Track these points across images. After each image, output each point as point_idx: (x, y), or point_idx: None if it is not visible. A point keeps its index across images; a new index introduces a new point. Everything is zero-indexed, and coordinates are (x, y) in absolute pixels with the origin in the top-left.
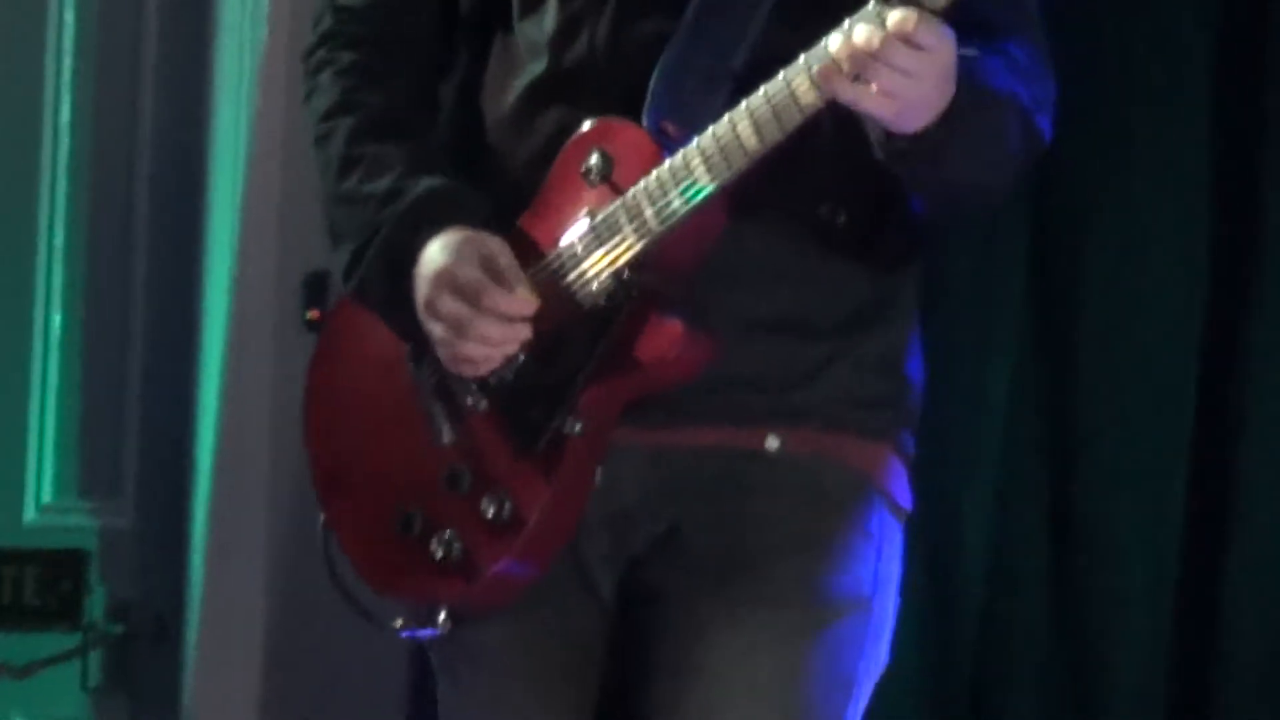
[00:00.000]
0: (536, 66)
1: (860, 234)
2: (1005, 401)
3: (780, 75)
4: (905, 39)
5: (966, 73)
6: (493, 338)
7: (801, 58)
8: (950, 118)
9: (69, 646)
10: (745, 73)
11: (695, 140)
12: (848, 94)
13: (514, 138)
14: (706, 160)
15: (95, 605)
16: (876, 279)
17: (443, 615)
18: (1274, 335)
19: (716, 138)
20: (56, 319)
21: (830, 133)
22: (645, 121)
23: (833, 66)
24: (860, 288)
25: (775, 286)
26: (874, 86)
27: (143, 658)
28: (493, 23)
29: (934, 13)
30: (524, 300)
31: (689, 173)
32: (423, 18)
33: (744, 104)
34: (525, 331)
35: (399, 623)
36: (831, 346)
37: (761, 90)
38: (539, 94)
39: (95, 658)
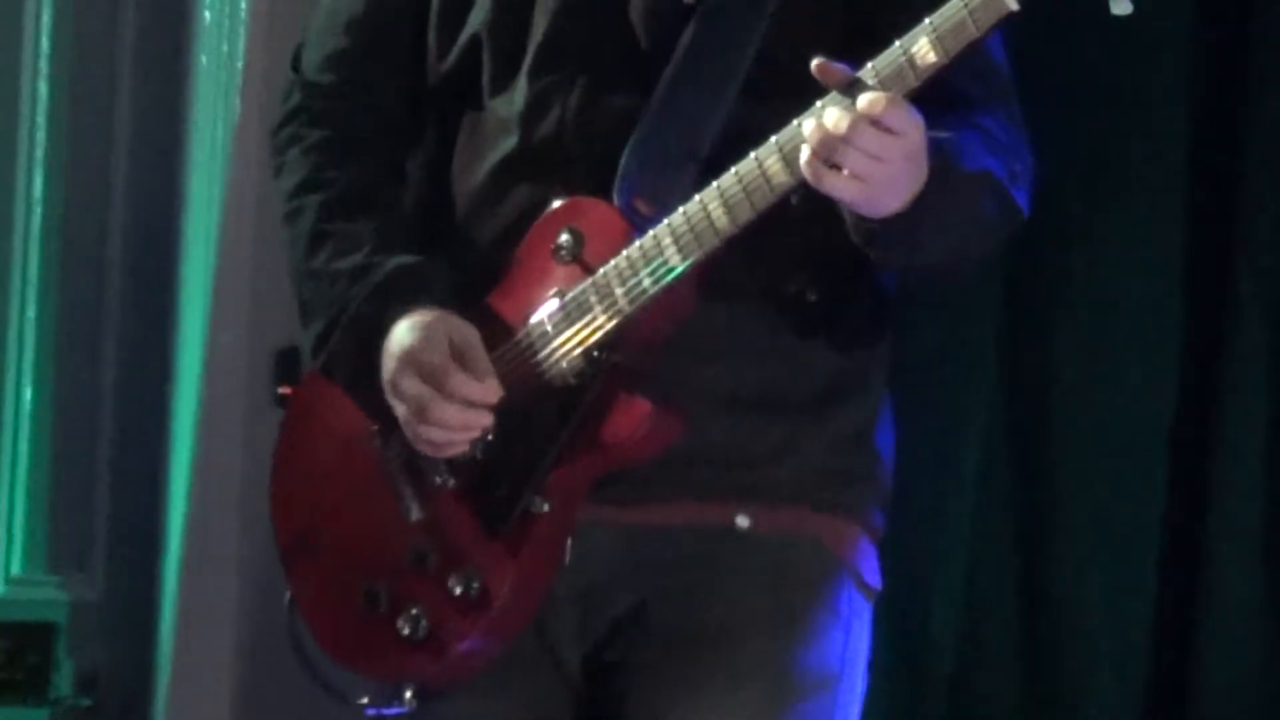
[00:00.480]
0: (507, 143)
1: (829, 311)
2: (976, 477)
3: (752, 155)
4: (874, 122)
5: (938, 154)
6: (453, 422)
7: (773, 138)
8: (921, 201)
9: None
10: (716, 151)
11: (666, 220)
12: (817, 177)
13: (484, 214)
14: (677, 240)
15: (63, 678)
16: (846, 355)
17: (409, 692)
18: (1244, 416)
19: (688, 217)
20: (27, 392)
21: (800, 210)
22: (616, 199)
23: (805, 150)
24: (829, 364)
25: (744, 363)
26: (844, 170)
27: None
28: (462, 99)
29: (903, 95)
30: (487, 388)
31: (660, 252)
32: (390, 94)
33: (715, 184)
34: (486, 419)
35: (365, 700)
36: (800, 423)
37: (733, 170)
38: (509, 170)
39: None
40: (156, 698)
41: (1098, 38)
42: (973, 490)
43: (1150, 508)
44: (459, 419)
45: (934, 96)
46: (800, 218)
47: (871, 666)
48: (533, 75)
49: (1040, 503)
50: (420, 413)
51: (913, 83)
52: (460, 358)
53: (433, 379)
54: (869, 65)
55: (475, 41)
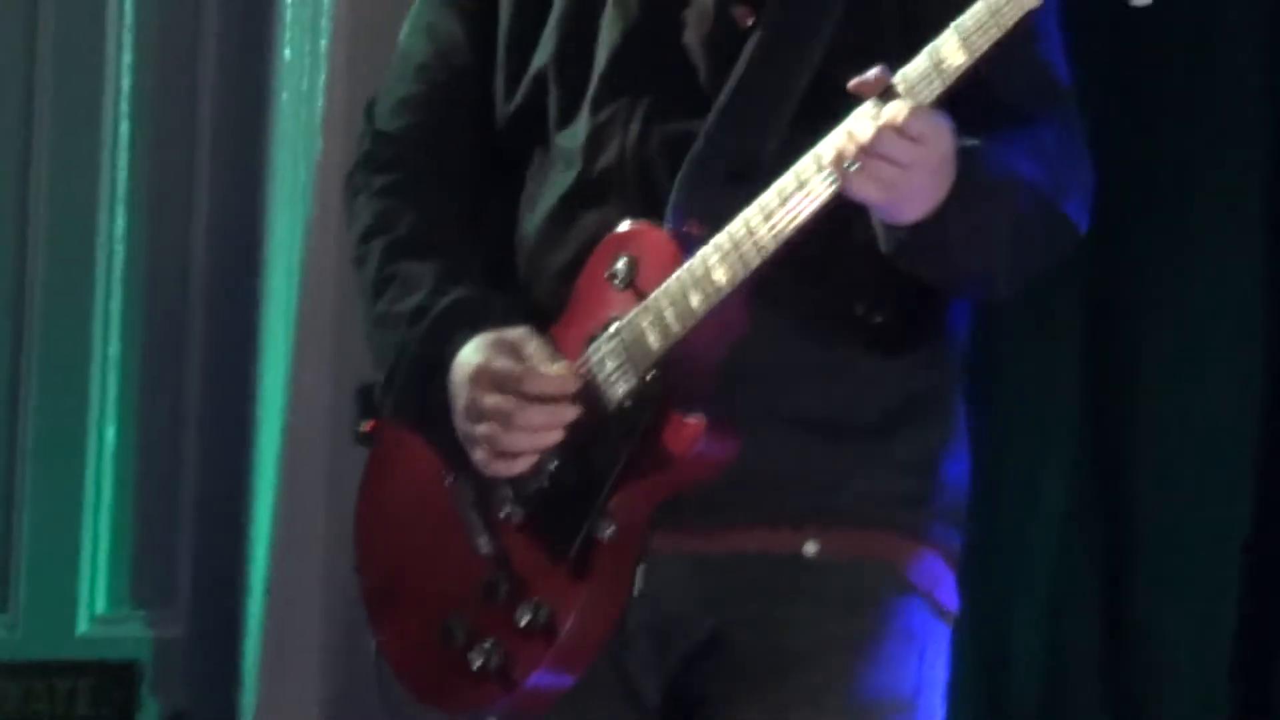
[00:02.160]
0: (569, 175)
1: (896, 333)
2: (1058, 505)
3: (791, 170)
4: (898, 130)
5: (968, 163)
6: (539, 422)
7: (811, 151)
8: (947, 208)
9: None
10: (770, 173)
11: (712, 240)
12: (843, 181)
13: (548, 248)
14: (724, 259)
15: (148, 717)
16: (914, 378)
17: None
18: None
19: (732, 236)
20: (110, 431)
21: (864, 231)
22: (669, 223)
23: (832, 153)
24: (897, 386)
25: (810, 386)
26: (869, 175)
27: None
28: (530, 137)
29: (937, 97)
30: (562, 378)
31: (707, 273)
32: (458, 137)
33: (758, 202)
34: (569, 412)
35: None
36: (867, 446)
37: (774, 187)
38: (572, 202)
39: None
40: None
41: (1173, 35)
42: (1055, 518)
43: (1234, 538)
44: (545, 418)
45: (986, 105)
46: (866, 239)
47: (954, 695)
48: (594, 107)
49: (1123, 532)
50: (505, 421)
51: (939, 87)
52: (525, 359)
53: (509, 385)
54: (900, 71)
55: (541, 79)
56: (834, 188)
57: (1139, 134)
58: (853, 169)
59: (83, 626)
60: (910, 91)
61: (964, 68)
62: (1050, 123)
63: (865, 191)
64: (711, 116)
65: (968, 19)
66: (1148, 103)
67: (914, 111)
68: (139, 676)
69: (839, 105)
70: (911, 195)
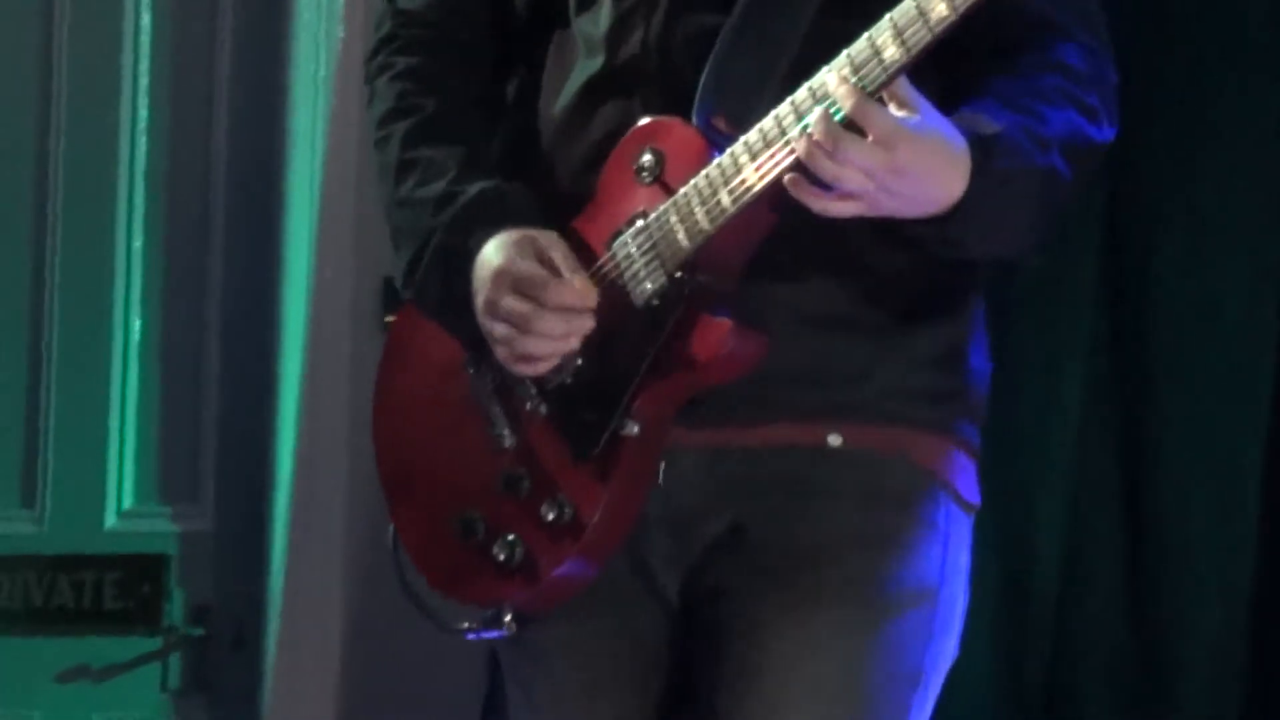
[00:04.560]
0: (592, 64)
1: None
2: (1078, 396)
3: (824, 70)
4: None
5: (984, 155)
6: (556, 331)
7: (845, 51)
8: (964, 206)
9: (148, 650)
10: (796, 68)
11: (743, 138)
12: (805, 200)
13: (570, 137)
14: (755, 158)
15: (175, 609)
16: (933, 272)
17: (508, 617)
18: None
19: (764, 134)
20: (136, 325)
21: None
22: (695, 119)
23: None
24: (916, 281)
25: (831, 282)
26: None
27: (222, 661)
28: (549, 21)
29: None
30: (584, 291)
31: (738, 171)
32: (480, 19)
33: (789, 99)
34: (588, 323)
35: (466, 625)
36: (889, 341)
37: (806, 85)
38: (594, 91)
39: (175, 661)
40: (268, 627)
41: None
42: (1076, 410)
43: (1255, 428)
44: (561, 327)
45: (1017, 21)
46: None
47: (975, 586)
48: None
49: (1142, 426)
50: (523, 325)
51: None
52: (551, 269)
53: (530, 290)
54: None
55: None
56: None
57: (1157, 34)
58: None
59: (109, 521)
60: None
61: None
62: (1076, 35)
63: (838, 210)
64: (736, 10)
65: None
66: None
67: (868, 112)
68: (165, 570)
69: (864, 1)
70: (908, 200)
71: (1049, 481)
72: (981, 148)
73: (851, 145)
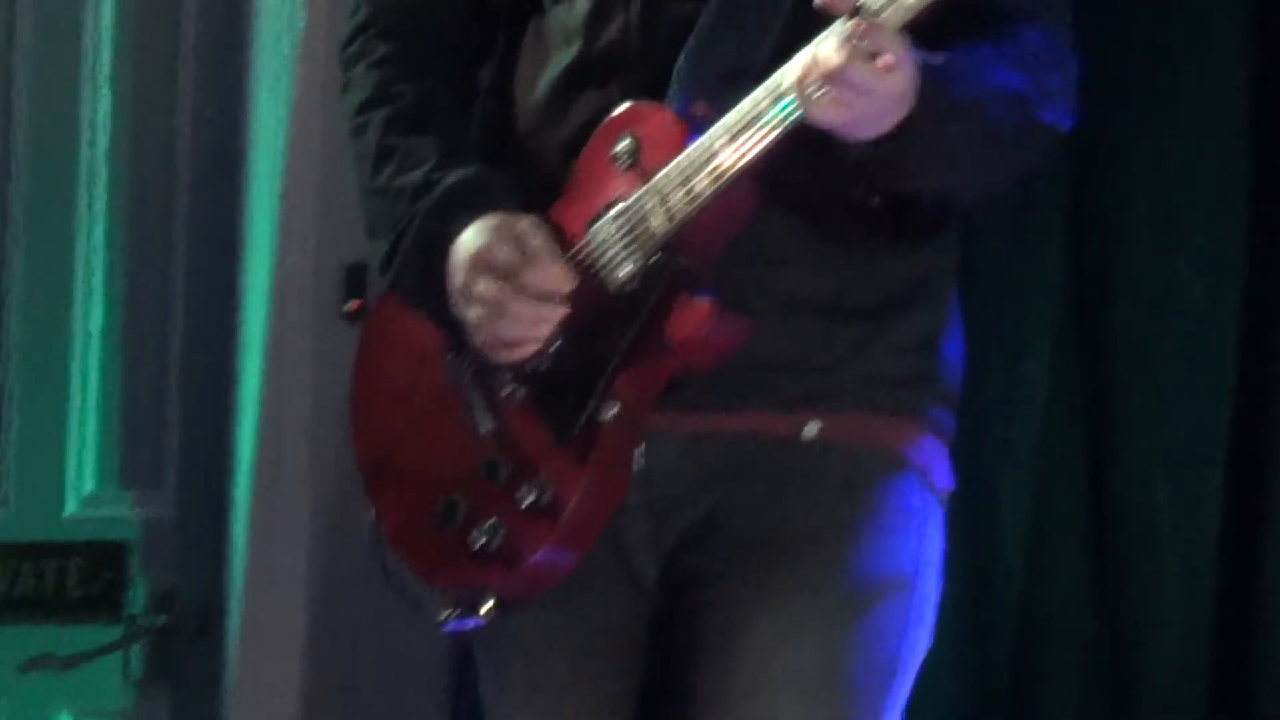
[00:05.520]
0: (569, 52)
1: (895, 216)
2: (1044, 383)
3: (802, 53)
4: (864, 56)
5: (932, 84)
6: (529, 316)
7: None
8: (907, 129)
9: (112, 638)
10: (774, 56)
11: (719, 122)
12: (804, 101)
13: (548, 125)
14: (733, 140)
15: (137, 597)
16: (912, 260)
17: (488, 605)
18: None
19: (741, 117)
20: (97, 312)
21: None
22: (673, 103)
23: (796, 72)
24: (895, 270)
25: (809, 269)
26: (830, 96)
27: (185, 649)
28: (526, 9)
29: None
30: (559, 276)
31: (715, 154)
32: (457, 7)
33: (766, 83)
34: (562, 310)
35: (446, 614)
36: (867, 328)
37: (783, 68)
38: (572, 79)
39: (138, 649)
40: (231, 614)
41: None
42: (1041, 398)
43: (1218, 415)
44: (535, 312)
45: (973, 5)
46: None
47: (944, 572)
48: None
49: (1107, 410)
50: (496, 310)
51: (897, 21)
52: (527, 253)
53: (504, 276)
54: None
55: None
56: (797, 113)
57: (1120, 25)
58: (815, 95)
59: (71, 507)
60: (885, 7)
61: None
62: (1037, 18)
63: (826, 115)
64: None
65: None
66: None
67: (883, 37)
68: (128, 556)
69: None
70: (871, 119)
71: (1013, 469)
72: (929, 74)
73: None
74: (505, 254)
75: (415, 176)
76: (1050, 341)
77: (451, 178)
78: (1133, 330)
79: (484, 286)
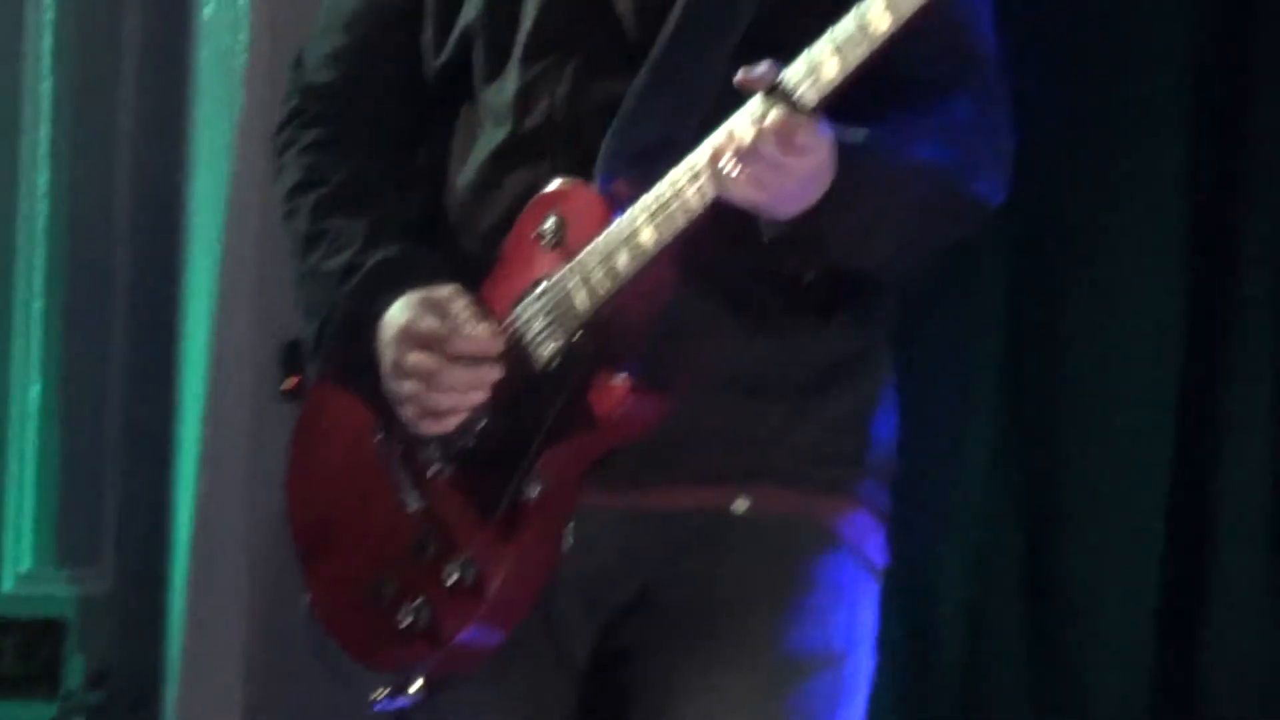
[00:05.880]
0: (499, 132)
1: (826, 292)
2: (982, 461)
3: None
4: (777, 138)
5: (848, 162)
6: (462, 382)
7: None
8: (823, 207)
9: (47, 716)
10: (700, 133)
11: (642, 200)
12: (717, 180)
13: (479, 205)
14: (652, 218)
15: (73, 673)
16: (845, 337)
17: (417, 684)
18: (1247, 401)
19: (659, 196)
20: (34, 388)
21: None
22: (597, 182)
23: (709, 153)
24: (828, 346)
25: (740, 345)
26: (744, 175)
27: None
28: (457, 92)
29: (808, 112)
30: (487, 340)
31: (635, 233)
32: (389, 91)
33: (685, 162)
34: (495, 373)
35: (379, 693)
36: (799, 404)
37: (704, 145)
38: (502, 159)
39: None
40: (167, 693)
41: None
42: (980, 474)
43: (1155, 495)
44: (467, 377)
45: (896, 79)
46: None
47: (880, 646)
48: (523, 64)
49: (1046, 488)
50: (429, 380)
51: (866, 50)
52: (452, 322)
53: (434, 345)
54: (827, 33)
55: (467, 35)
56: (711, 187)
57: (1060, 98)
58: (729, 173)
59: (7, 584)
60: (839, 52)
61: (890, 31)
62: (965, 93)
63: (740, 193)
64: (641, 76)
65: None
66: (1069, 68)
67: (795, 121)
68: (64, 634)
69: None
70: (785, 198)
71: (953, 541)
72: (845, 154)
73: (769, 144)
74: (429, 324)
75: (342, 259)
76: (989, 414)
77: (375, 258)
78: (1072, 405)
79: (414, 359)
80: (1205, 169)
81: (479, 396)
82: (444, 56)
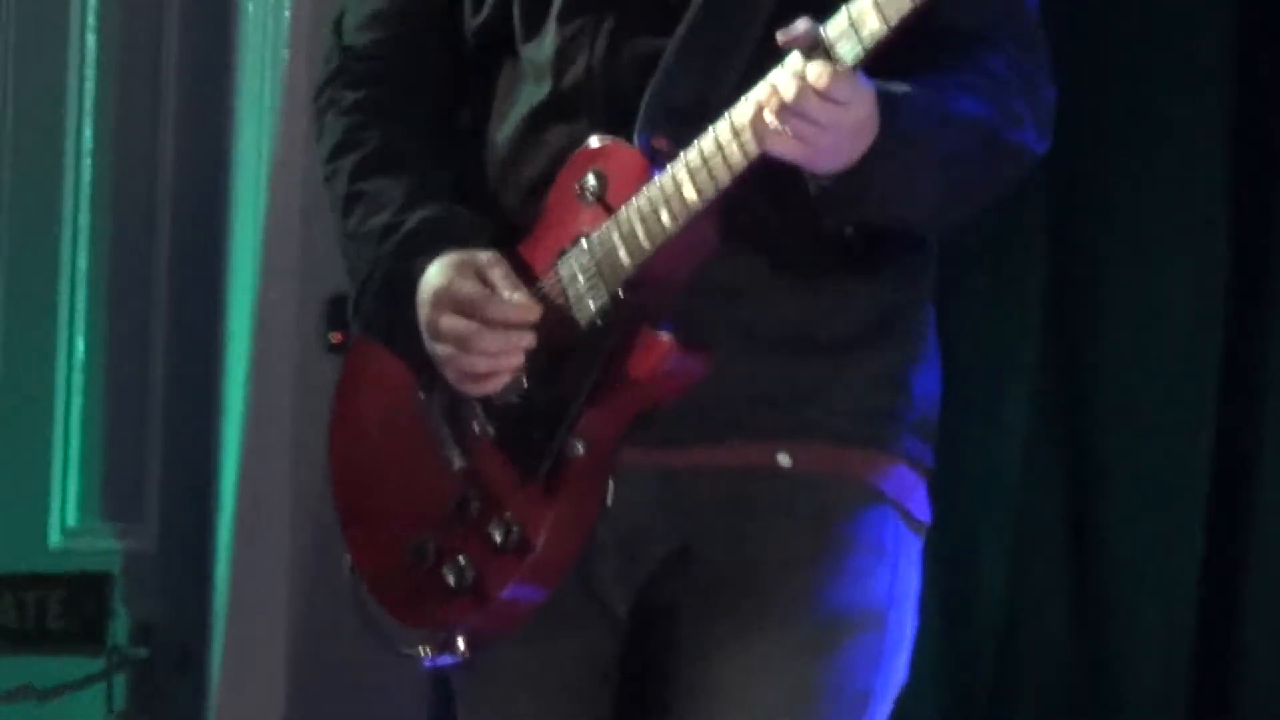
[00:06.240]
0: (539, 90)
1: (868, 248)
2: (1023, 418)
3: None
4: (820, 92)
5: (891, 114)
6: (495, 347)
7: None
8: (868, 161)
9: (93, 670)
10: (737, 91)
11: (683, 156)
12: (760, 136)
13: (517, 162)
14: (694, 176)
15: (119, 629)
16: (881, 292)
17: (461, 642)
18: None
19: (702, 152)
20: (79, 344)
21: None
22: (636, 139)
23: (751, 109)
24: (868, 302)
25: (780, 301)
26: (787, 130)
27: (167, 681)
28: (498, 51)
29: (850, 66)
30: (523, 306)
31: (678, 189)
32: (429, 51)
33: (727, 116)
34: (529, 339)
35: (421, 651)
36: (839, 361)
37: (744, 99)
38: (540, 116)
39: (119, 681)
40: (213, 648)
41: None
42: (1021, 430)
43: (1199, 451)
44: (501, 343)
45: (935, 32)
46: None
47: (922, 606)
48: (561, 21)
49: (1088, 445)
50: (463, 344)
51: (909, 4)
52: (490, 286)
53: (470, 309)
54: (827, 23)
55: None
56: (754, 143)
57: (1098, 55)
58: (772, 129)
59: (54, 539)
60: (854, 24)
61: None
62: (1005, 46)
63: (783, 148)
64: (678, 33)
65: None
66: (1110, 21)
67: (837, 75)
68: (110, 588)
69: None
70: (829, 152)
71: (994, 504)
72: (889, 105)
73: (812, 99)
74: (467, 289)
75: (381, 219)
76: (1030, 378)
77: (415, 218)
78: (1113, 368)
79: (449, 322)
80: (1250, 129)
81: (514, 361)
82: (482, 15)
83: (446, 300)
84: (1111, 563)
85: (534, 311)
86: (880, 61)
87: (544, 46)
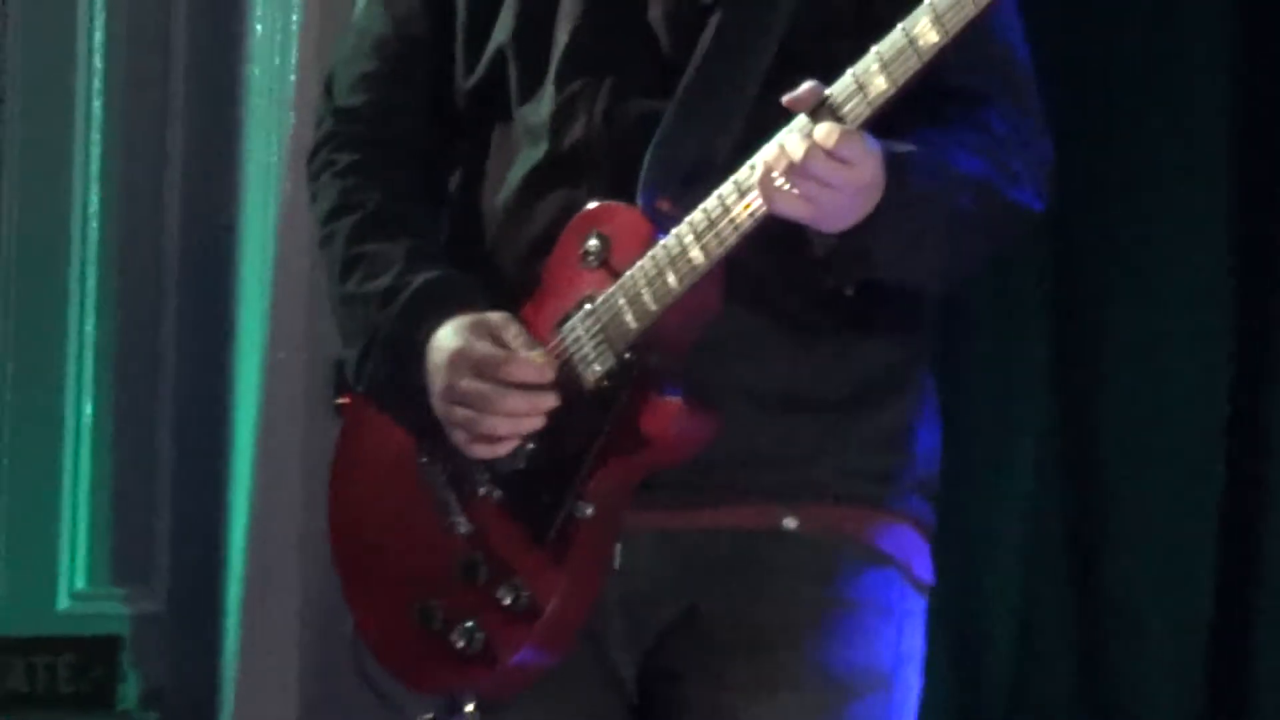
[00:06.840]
0: (536, 151)
1: (867, 307)
2: (1029, 474)
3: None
4: (828, 153)
5: (897, 174)
6: (520, 409)
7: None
8: (874, 220)
9: None
10: (738, 150)
11: (687, 219)
12: (768, 196)
13: (516, 225)
14: (699, 238)
15: (129, 692)
16: (885, 351)
17: (470, 706)
18: None
19: (707, 214)
20: (87, 408)
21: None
22: (640, 202)
23: (760, 169)
24: (869, 361)
25: (782, 361)
26: (794, 191)
27: None
28: (491, 112)
29: (857, 127)
30: (543, 365)
31: (683, 251)
32: (420, 113)
33: (733, 179)
34: (551, 401)
35: (429, 716)
36: (840, 420)
37: (749, 164)
38: (538, 178)
39: None
40: (222, 710)
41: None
42: (1026, 487)
43: (1205, 504)
44: (523, 404)
45: (935, 93)
46: None
47: (928, 666)
48: (559, 82)
49: (1093, 500)
50: (483, 405)
51: (916, 64)
52: (505, 347)
53: (488, 370)
54: (873, 50)
55: (500, 54)
56: (762, 204)
57: (1099, 111)
58: (780, 189)
59: (63, 603)
60: (885, 69)
61: (939, 45)
62: (1002, 105)
63: (791, 209)
64: (677, 94)
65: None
66: (1107, 76)
67: (845, 135)
68: (119, 652)
69: (803, 81)
70: (837, 212)
71: (1000, 560)
72: (896, 164)
73: (819, 158)
74: (484, 350)
75: (382, 282)
76: (1036, 435)
77: (418, 280)
78: (1119, 425)
79: (468, 384)
80: (1250, 169)
81: (535, 423)
82: (476, 77)
83: (463, 362)
84: (1118, 622)
85: (552, 369)
86: (879, 120)
87: (541, 107)
